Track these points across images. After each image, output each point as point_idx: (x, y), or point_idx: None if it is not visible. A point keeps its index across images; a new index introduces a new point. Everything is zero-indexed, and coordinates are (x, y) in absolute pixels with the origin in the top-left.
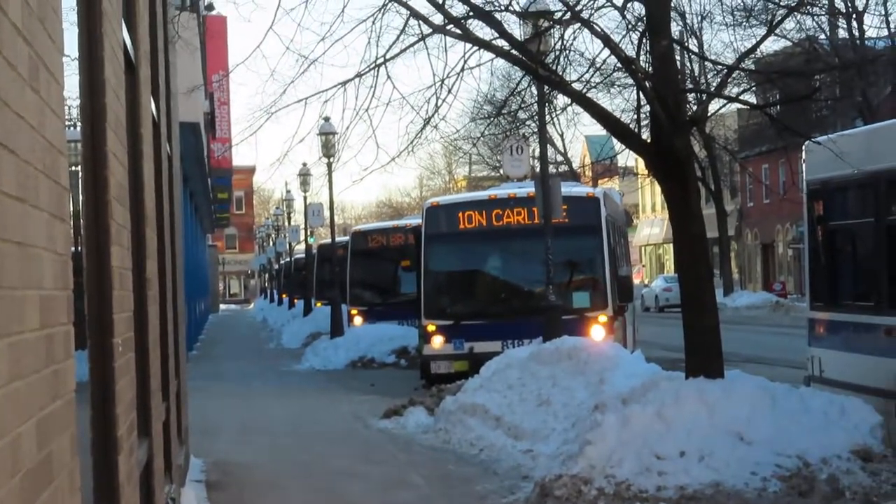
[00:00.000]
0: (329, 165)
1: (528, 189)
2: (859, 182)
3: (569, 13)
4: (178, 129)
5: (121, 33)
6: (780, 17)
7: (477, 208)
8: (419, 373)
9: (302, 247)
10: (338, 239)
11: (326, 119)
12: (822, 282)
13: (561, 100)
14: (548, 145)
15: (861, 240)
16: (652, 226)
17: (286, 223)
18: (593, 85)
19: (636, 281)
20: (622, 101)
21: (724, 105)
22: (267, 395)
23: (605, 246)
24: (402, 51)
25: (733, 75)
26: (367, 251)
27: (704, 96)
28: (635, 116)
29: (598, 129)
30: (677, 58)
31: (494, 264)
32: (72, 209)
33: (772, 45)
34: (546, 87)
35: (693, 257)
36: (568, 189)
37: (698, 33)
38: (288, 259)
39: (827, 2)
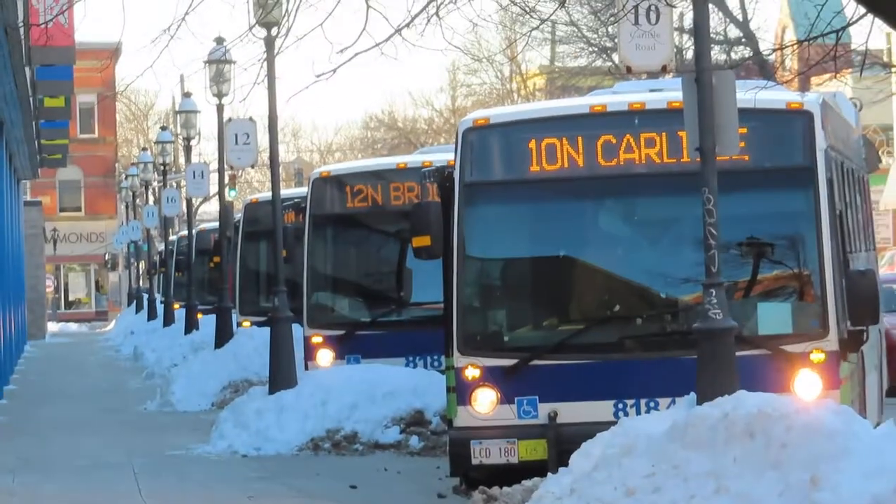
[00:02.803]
0: (269, 42)
1: (668, 94)
2: None
3: None
4: None
5: None
6: None
7: (566, 130)
8: (448, 463)
9: (213, 207)
10: (286, 192)
11: None
12: None
13: None
14: (710, 7)
15: None
16: None
17: (182, 160)
18: None
19: (887, 281)
20: None
21: None
22: None
23: (822, 210)
24: None
25: None
26: (340, 218)
27: None
28: None
29: None
30: None
31: (597, 245)
32: None
33: None
34: None
35: None
36: (752, 95)
37: None
38: (185, 232)
39: None
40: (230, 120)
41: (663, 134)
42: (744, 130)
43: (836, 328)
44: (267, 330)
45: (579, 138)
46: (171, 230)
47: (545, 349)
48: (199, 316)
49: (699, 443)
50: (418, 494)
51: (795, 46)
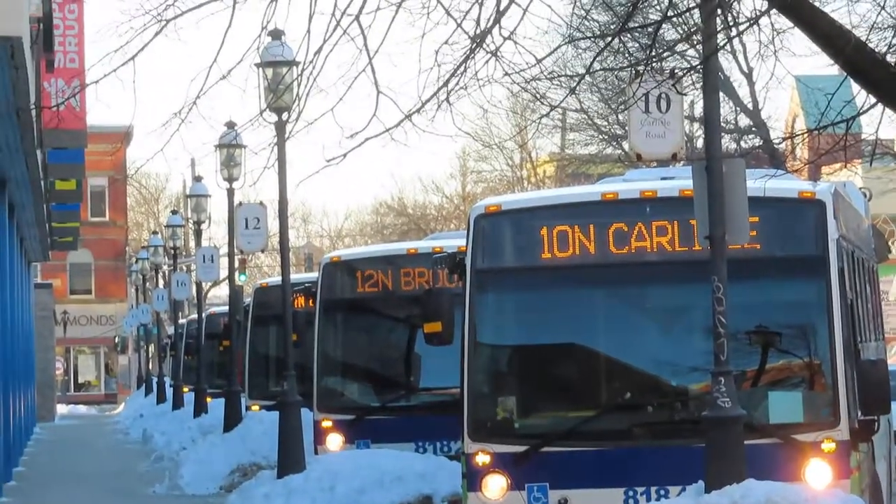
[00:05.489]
0: (280, 126)
1: (680, 182)
2: None
3: None
4: None
5: None
6: None
7: (578, 218)
8: None
9: (223, 291)
10: (296, 277)
11: (276, 35)
12: None
13: (748, 2)
14: (721, 96)
15: None
16: None
17: (192, 244)
18: None
19: None
20: (870, 5)
21: None
22: None
23: (833, 299)
24: None
25: None
26: (351, 303)
27: None
28: None
29: (820, 65)
30: None
31: (608, 333)
32: None
33: None
34: None
35: None
36: (762, 184)
37: None
38: (195, 316)
39: None
40: (240, 204)
41: (675, 222)
42: (755, 219)
43: (848, 417)
44: (276, 414)
45: (591, 226)
46: (180, 313)
47: (555, 436)
48: (209, 399)
49: None
50: None
51: (806, 135)
